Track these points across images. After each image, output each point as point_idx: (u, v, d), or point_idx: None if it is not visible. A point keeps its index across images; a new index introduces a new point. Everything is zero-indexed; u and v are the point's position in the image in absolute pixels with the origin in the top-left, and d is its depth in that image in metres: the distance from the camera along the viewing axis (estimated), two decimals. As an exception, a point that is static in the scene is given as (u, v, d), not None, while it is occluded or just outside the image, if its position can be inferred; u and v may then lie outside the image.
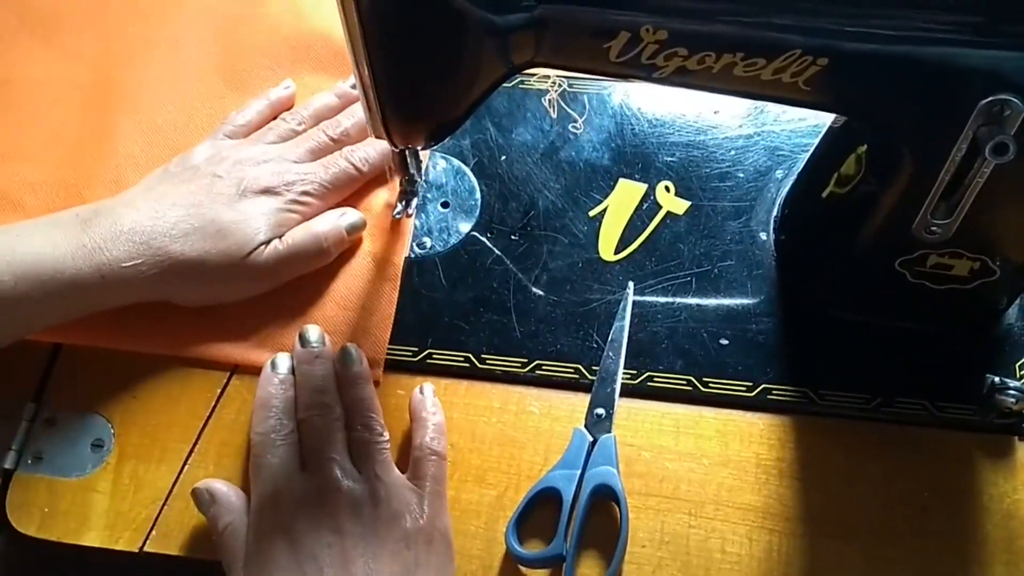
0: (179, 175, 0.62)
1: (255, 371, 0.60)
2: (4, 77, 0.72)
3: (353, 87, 0.68)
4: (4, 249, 0.55)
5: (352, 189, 0.65)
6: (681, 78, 0.49)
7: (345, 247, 0.63)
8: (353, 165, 0.64)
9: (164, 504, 0.58)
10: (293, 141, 0.65)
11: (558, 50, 0.50)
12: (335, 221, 0.62)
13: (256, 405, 0.56)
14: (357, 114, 0.66)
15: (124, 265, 0.56)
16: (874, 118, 0.50)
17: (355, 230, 0.63)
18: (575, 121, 0.69)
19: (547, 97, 0.70)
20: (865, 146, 0.55)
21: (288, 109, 0.69)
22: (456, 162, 0.68)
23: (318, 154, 0.64)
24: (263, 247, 0.60)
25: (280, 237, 0.61)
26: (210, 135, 0.66)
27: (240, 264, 0.59)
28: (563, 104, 0.70)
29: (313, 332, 0.59)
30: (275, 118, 0.68)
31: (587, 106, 0.70)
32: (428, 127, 0.55)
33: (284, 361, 0.58)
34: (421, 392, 0.59)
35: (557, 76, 0.71)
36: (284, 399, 0.56)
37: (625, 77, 0.50)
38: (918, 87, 0.47)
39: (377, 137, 0.57)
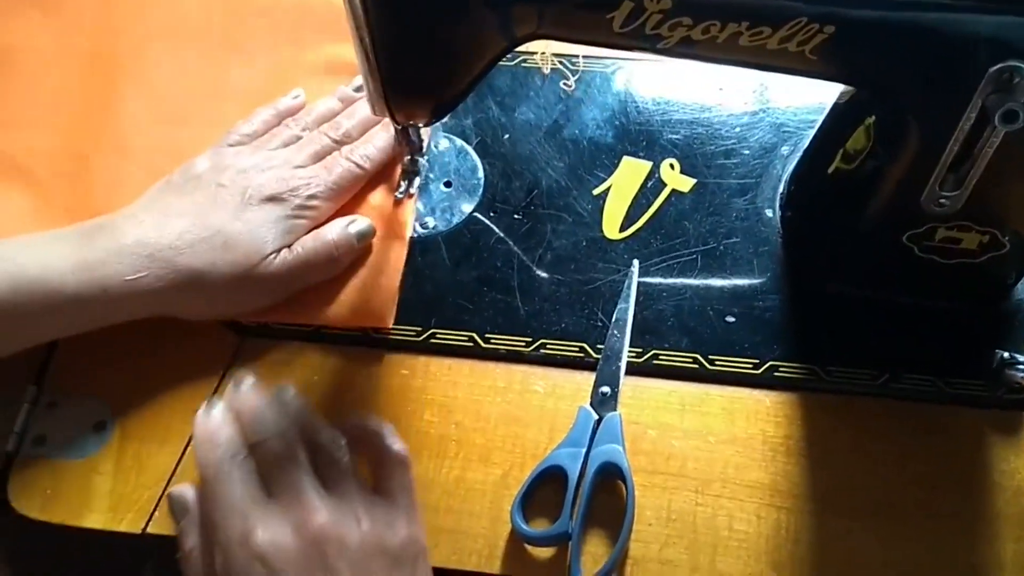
0: (182, 186, 0.60)
1: (259, 349, 0.60)
2: (6, 45, 0.72)
3: (356, 90, 0.67)
4: (5, 262, 0.54)
5: (357, 187, 0.64)
6: (686, 49, 0.48)
7: (355, 255, 0.62)
8: (355, 163, 0.62)
9: (167, 485, 0.57)
10: (296, 146, 0.63)
11: (560, 22, 0.49)
12: (345, 229, 0.61)
13: (196, 443, 0.51)
14: (357, 114, 0.65)
15: (128, 279, 0.55)
16: (881, 87, 0.50)
17: (364, 237, 0.62)
18: (566, 79, 0.69)
19: (539, 54, 0.70)
20: (873, 118, 0.54)
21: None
22: (459, 141, 0.67)
23: (321, 157, 0.63)
24: (273, 256, 0.58)
25: (289, 246, 0.59)
26: (213, 145, 0.63)
27: (249, 275, 0.57)
28: (556, 65, 0.69)
29: (247, 377, 0.55)
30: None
31: (589, 84, 0.69)
32: (430, 103, 0.55)
33: (218, 403, 0.53)
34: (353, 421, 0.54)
35: (560, 55, 0.70)
36: (228, 429, 0.51)
37: (629, 49, 0.50)
38: (925, 55, 0.47)
39: (379, 115, 0.56)
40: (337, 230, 0.61)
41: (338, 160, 0.62)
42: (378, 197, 0.64)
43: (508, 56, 0.68)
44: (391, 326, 0.61)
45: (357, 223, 0.62)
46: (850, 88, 0.59)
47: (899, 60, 0.47)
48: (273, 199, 0.59)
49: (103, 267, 0.55)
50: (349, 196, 0.63)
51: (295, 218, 0.59)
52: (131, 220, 0.57)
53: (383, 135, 0.64)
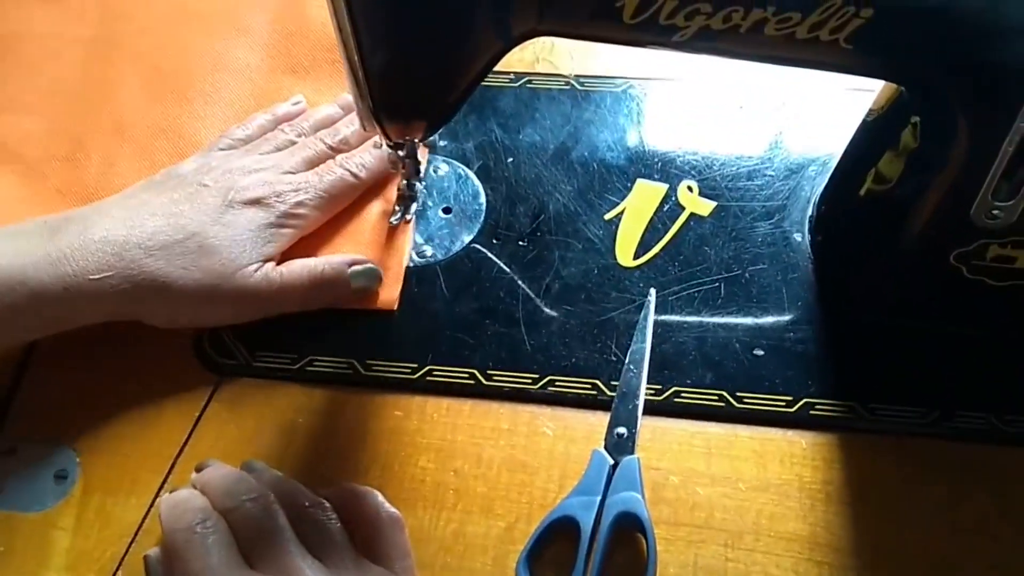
0: (163, 183, 0.57)
1: (238, 390, 0.55)
2: (7, 32, 0.71)
3: None
4: None
5: (349, 199, 0.60)
6: (705, 42, 0.43)
7: (344, 301, 0.57)
8: (350, 172, 0.58)
9: (132, 541, 0.51)
10: (288, 151, 0.59)
11: (564, 15, 0.45)
12: (342, 271, 0.56)
13: (164, 510, 0.46)
14: (357, 122, 0.61)
15: (92, 278, 0.51)
16: (924, 82, 0.45)
17: (362, 289, 0.57)
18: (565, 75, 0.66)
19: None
20: (918, 118, 0.49)
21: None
22: (459, 165, 0.63)
23: (314, 163, 0.59)
24: (253, 268, 0.54)
25: (275, 262, 0.55)
26: (204, 149, 0.60)
27: (222, 285, 0.53)
28: (564, 87, 0.66)
29: (209, 460, 0.52)
30: None
31: (599, 104, 0.64)
32: (423, 114, 0.50)
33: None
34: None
35: (566, 76, 0.66)
36: (198, 500, 0.47)
37: (640, 44, 0.45)
38: (973, 42, 0.41)
39: (369, 131, 0.52)
40: (335, 269, 0.56)
41: (332, 167, 0.58)
42: (371, 223, 0.60)
43: (512, 77, 0.66)
44: (395, 308, 0.57)
45: (360, 271, 0.57)
46: (881, 103, 0.54)
47: (944, 49, 0.42)
48: (257, 203, 0.55)
49: (66, 263, 0.51)
50: (340, 207, 0.59)
51: (279, 226, 0.55)
52: (100, 215, 0.53)
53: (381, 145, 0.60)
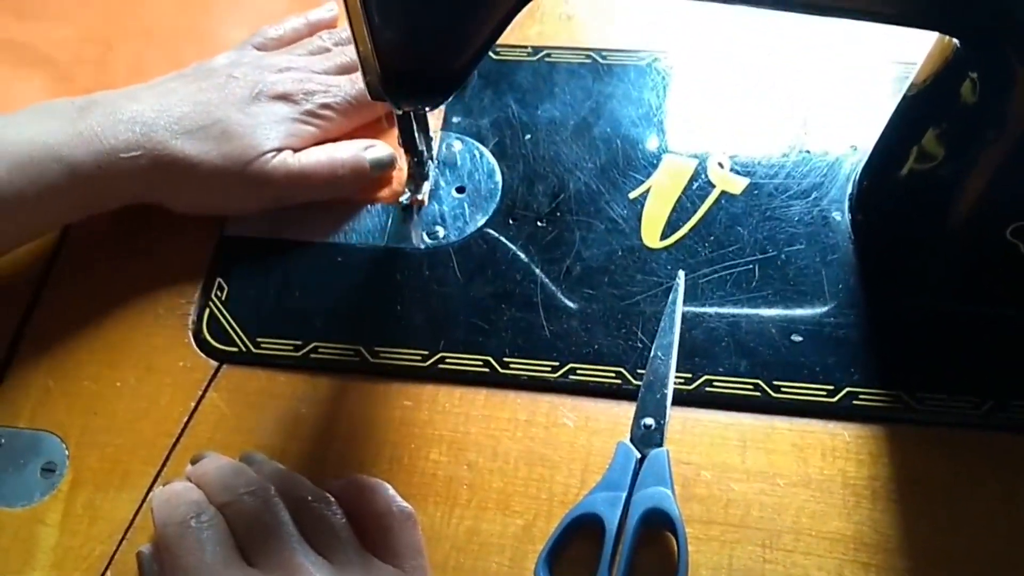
0: (193, 75, 0.57)
1: (237, 377, 0.52)
2: None
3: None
4: None
5: (376, 114, 0.59)
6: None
7: (363, 183, 0.57)
8: None
9: (123, 539, 0.48)
10: (324, 55, 0.60)
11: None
12: (359, 151, 0.57)
13: (156, 503, 0.45)
14: None
15: (122, 156, 0.52)
16: (977, 30, 0.41)
17: (380, 167, 0.57)
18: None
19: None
20: (976, 74, 0.45)
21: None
22: (473, 143, 0.59)
23: (348, 71, 0.59)
24: (271, 155, 0.54)
25: (292, 150, 0.55)
26: (236, 47, 0.60)
27: (242, 171, 0.54)
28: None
29: (205, 452, 0.50)
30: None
31: (622, 78, 0.61)
32: (436, 74, 0.47)
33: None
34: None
35: (589, 49, 0.62)
36: (192, 493, 0.45)
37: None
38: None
39: (376, 99, 0.48)
40: (351, 150, 0.57)
41: None
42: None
43: (530, 51, 0.63)
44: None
45: (376, 149, 0.58)
46: (924, 76, 0.50)
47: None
48: (284, 97, 0.56)
49: (97, 141, 0.52)
50: (366, 120, 0.59)
51: (302, 123, 0.56)
52: (129, 99, 0.54)
53: None
